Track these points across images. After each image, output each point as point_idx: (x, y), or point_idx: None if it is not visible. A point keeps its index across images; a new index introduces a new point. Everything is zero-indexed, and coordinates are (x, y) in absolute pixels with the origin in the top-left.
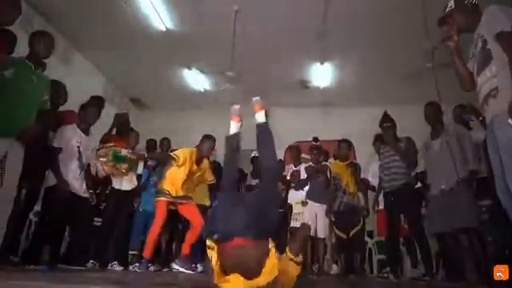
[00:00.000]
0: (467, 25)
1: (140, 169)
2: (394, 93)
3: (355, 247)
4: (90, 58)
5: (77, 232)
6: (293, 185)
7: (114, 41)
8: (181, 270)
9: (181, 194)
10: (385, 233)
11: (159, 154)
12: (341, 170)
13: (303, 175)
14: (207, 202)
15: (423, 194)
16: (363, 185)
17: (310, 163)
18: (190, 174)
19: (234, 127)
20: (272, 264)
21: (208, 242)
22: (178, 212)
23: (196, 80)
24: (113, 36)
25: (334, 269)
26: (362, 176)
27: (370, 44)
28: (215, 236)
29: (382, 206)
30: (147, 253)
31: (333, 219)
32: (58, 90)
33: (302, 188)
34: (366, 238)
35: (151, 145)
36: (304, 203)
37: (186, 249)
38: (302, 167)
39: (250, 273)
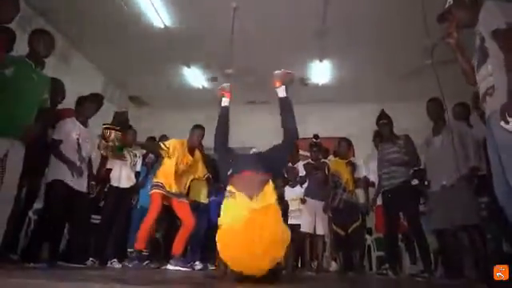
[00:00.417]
0: (467, 21)
1: (138, 166)
2: (392, 90)
3: (354, 244)
4: (88, 57)
5: (76, 229)
6: (291, 182)
7: (113, 39)
8: (177, 269)
9: (174, 189)
10: (383, 229)
11: (148, 143)
12: (341, 168)
13: (302, 172)
14: (204, 199)
15: (421, 191)
16: (364, 182)
17: (309, 160)
18: (184, 165)
19: (225, 101)
20: (270, 190)
21: (228, 188)
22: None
23: (195, 78)
24: (111, 34)
25: (333, 266)
26: (362, 174)
27: (369, 41)
28: (229, 172)
29: (379, 202)
30: (139, 245)
31: (330, 215)
32: (56, 88)
33: (301, 185)
34: (365, 235)
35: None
36: (303, 201)
37: (177, 249)
38: (301, 164)
39: (252, 192)
